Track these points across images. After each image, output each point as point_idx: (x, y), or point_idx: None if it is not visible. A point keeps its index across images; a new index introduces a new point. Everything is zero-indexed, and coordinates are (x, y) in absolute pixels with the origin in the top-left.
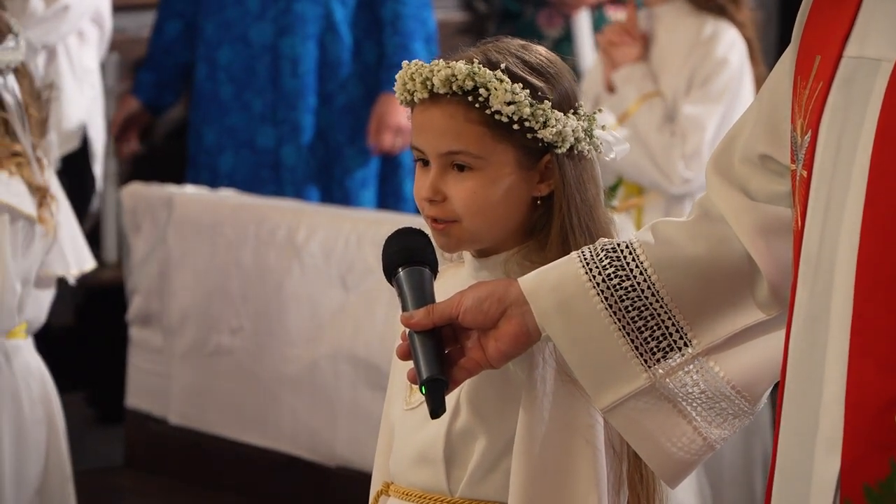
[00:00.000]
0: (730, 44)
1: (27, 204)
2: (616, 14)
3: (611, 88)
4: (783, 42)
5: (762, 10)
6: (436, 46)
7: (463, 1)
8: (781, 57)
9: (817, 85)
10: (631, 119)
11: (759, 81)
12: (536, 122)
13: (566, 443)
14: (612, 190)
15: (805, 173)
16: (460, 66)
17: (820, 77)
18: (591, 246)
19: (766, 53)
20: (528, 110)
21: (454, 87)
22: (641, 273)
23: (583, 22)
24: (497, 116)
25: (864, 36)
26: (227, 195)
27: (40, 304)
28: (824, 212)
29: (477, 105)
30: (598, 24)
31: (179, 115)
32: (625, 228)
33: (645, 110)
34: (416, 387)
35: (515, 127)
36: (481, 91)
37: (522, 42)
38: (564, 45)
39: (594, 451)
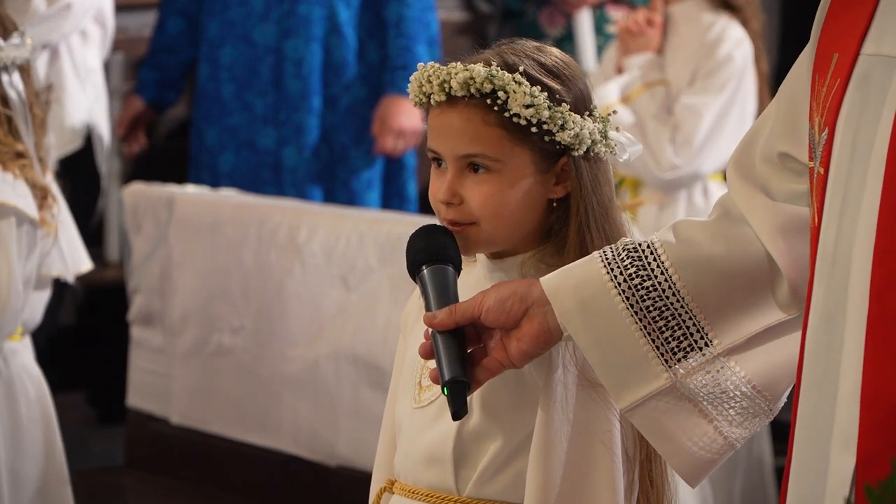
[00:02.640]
0: (736, 42)
1: (31, 207)
2: (617, 13)
3: (620, 71)
4: (783, 42)
5: (763, 10)
6: (439, 49)
7: (464, 1)
8: (800, 56)
9: (835, 82)
10: (632, 104)
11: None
12: (555, 125)
13: (585, 447)
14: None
15: (822, 170)
16: (479, 69)
17: (837, 74)
18: (612, 246)
19: (766, 53)
20: (546, 113)
21: (472, 90)
22: (662, 273)
23: (584, 21)
24: (515, 119)
25: (881, 33)
26: (229, 195)
27: (36, 305)
28: (841, 208)
29: (495, 108)
30: (600, 23)
31: (182, 114)
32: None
33: (646, 97)
34: (426, 385)
35: (534, 130)
36: (500, 94)
37: (537, 43)
38: (566, 44)
39: (612, 457)
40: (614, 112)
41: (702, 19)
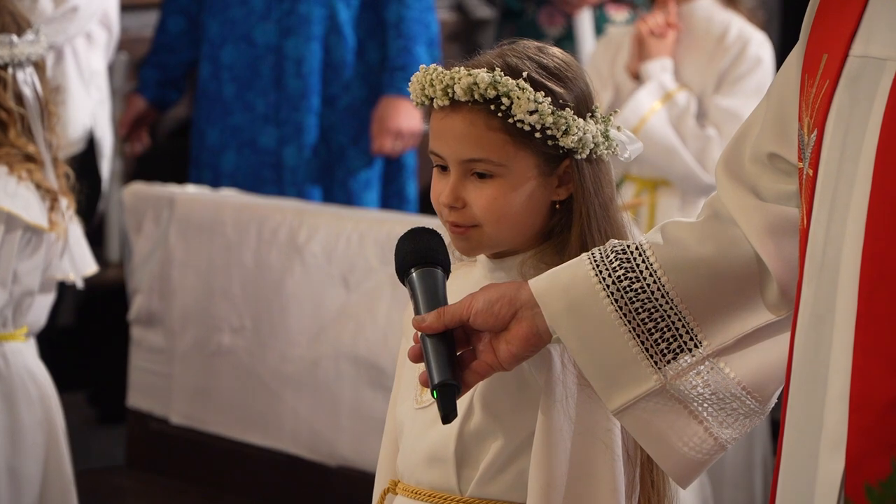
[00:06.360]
0: (759, 42)
1: (35, 212)
2: (618, 13)
3: (636, 75)
4: (784, 42)
5: (763, 10)
6: (438, 50)
7: (453, 3)
8: (789, 55)
9: (824, 83)
10: (663, 107)
11: None
12: (558, 130)
13: (586, 447)
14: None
15: (811, 172)
16: (482, 75)
17: (826, 75)
18: (601, 247)
19: None
20: (550, 119)
21: (476, 96)
22: (651, 274)
23: (584, 21)
24: (519, 125)
25: (869, 35)
26: (229, 195)
27: (41, 307)
28: (829, 210)
29: (499, 113)
30: (600, 23)
31: (183, 113)
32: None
33: (681, 100)
34: None
35: (537, 135)
36: (503, 100)
37: (538, 44)
38: (565, 44)
39: (613, 456)
40: (615, 111)
41: (714, 18)
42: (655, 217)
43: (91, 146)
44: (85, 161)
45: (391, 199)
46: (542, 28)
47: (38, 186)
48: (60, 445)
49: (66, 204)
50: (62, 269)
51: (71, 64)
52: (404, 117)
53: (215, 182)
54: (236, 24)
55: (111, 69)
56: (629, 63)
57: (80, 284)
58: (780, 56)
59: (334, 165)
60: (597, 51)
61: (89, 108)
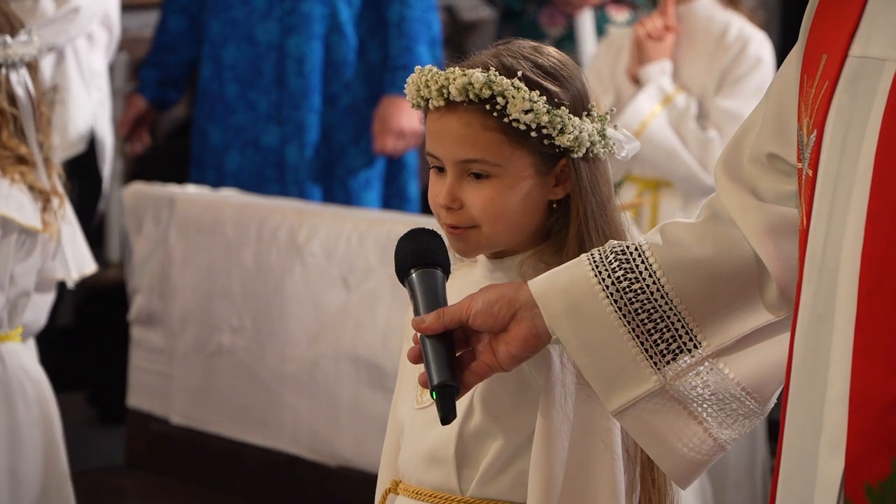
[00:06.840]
0: (760, 42)
1: (28, 214)
2: (619, 14)
3: (636, 79)
4: (784, 42)
5: (763, 10)
6: (440, 50)
7: (442, 5)
8: (789, 55)
9: (823, 84)
10: (664, 110)
11: None
12: (554, 129)
13: (585, 447)
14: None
15: (811, 172)
16: (477, 75)
17: (826, 76)
18: (600, 248)
19: None
20: (546, 118)
21: (471, 96)
22: (651, 275)
23: (585, 21)
24: (515, 124)
25: (868, 35)
26: (229, 195)
27: (40, 308)
28: (829, 211)
29: (494, 113)
30: (601, 23)
31: (183, 113)
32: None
33: (680, 102)
34: None
35: (533, 134)
36: (499, 99)
37: (534, 44)
38: (566, 44)
39: (613, 455)
40: (612, 109)
41: (714, 18)
42: (658, 217)
43: (92, 146)
44: (85, 161)
45: (392, 199)
46: (543, 28)
47: (31, 188)
48: (58, 446)
49: (58, 204)
50: (62, 270)
51: (72, 64)
52: (406, 117)
53: (219, 182)
54: (238, 23)
55: (112, 69)
56: (629, 67)
57: (70, 284)
58: (780, 56)
59: (335, 164)
60: (598, 52)
61: (90, 108)
